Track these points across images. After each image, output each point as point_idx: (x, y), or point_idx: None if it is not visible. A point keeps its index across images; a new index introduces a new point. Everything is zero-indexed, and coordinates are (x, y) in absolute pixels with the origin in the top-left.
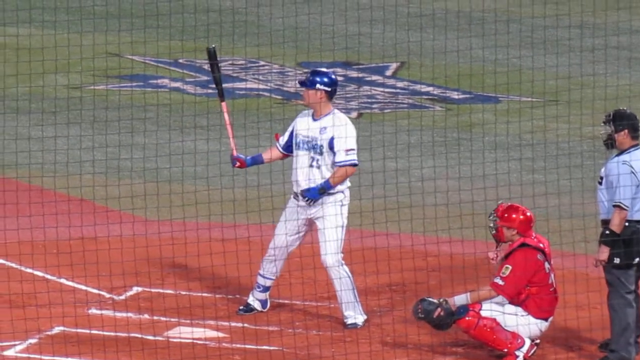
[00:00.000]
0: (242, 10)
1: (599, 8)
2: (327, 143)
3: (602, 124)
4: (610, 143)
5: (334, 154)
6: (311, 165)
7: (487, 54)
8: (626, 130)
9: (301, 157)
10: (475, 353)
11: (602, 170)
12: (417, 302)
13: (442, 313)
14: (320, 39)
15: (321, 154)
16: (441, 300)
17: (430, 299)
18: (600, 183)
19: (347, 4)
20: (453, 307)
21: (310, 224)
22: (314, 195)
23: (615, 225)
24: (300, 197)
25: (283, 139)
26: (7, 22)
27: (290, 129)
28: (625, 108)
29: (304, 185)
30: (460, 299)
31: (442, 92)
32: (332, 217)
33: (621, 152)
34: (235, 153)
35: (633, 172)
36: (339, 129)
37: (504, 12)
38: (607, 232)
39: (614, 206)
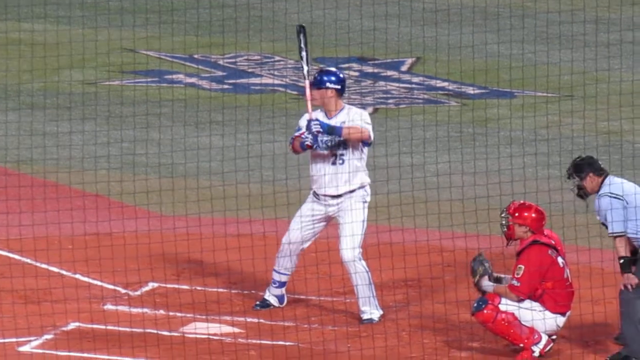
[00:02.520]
0: (257, 5)
1: (614, 3)
2: None
3: (567, 180)
4: (582, 193)
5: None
6: (334, 163)
7: (503, 49)
8: (590, 174)
9: (322, 158)
10: (491, 348)
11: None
12: (479, 257)
13: (478, 280)
14: (336, 34)
15: (347, 147)
16: (483, 271)
17: (480, 262)
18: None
19: None
20: (483, 283)
21: (327, 221)
22: (324, 126)
23: (622, 253)
24: (322, 198)
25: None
26: (22, 17)
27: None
28: (579, 156)
29: (328, 182)
30: (487, 286)
31: (458, 87)
32: (354, 212)
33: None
34: (312, 116)
35: (615, 198)
36: (355, 116)
37: (519, 7)
38: (622, 260)
39: (612, 237)
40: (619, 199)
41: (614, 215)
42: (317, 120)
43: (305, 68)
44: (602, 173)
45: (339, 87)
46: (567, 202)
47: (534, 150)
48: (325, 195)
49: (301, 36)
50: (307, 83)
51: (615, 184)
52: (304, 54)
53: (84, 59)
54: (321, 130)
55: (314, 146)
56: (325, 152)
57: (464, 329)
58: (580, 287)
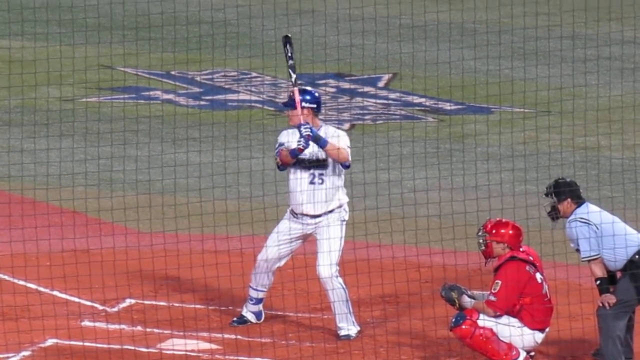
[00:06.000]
0: (234, 21)
1: (591, 19)
2: None
3: (544, 196)
4: (554, 214)
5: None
6: (312, 182)
7: (479, 64)
8: (569, 199)
9: (301, 177)
10: None
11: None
12: (444, 286)
13: (459, 303)
14: (313, 50)
15: (325, 167)
16: (456, 296)
17: (450, 288)
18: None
19: (339, 16)
20: (464, 301)
21: (305, 239)
22: (314, 131)
23: (599, 274)
24: (300, 217)
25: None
26: None
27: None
28: (565, 177)
29: (307, 201)
30: (466, 302)
31: (435, 103)
32: (331, 229)
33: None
34: (303, 121)
35: (583, 222)
36: (332, 137)
37: (495, 23)
38: (598, 282)
39: (586, 261)
40: (588, 224)
41: (583, 240)
42: (307, 124)
43: (294, 76)
44: (579, 201)
45: (314, 105)
46: (544, 218)
47: (511, 166)
48: (303, 215)
49: (288, 46)
50: (296, 90)
51: (592, 212)
52: (291, 62)
53: (61, 76)
54: (311, 134)
55: (305, 148)
56: (304, 170)
57: (441, 345)
58: (558, 303)
